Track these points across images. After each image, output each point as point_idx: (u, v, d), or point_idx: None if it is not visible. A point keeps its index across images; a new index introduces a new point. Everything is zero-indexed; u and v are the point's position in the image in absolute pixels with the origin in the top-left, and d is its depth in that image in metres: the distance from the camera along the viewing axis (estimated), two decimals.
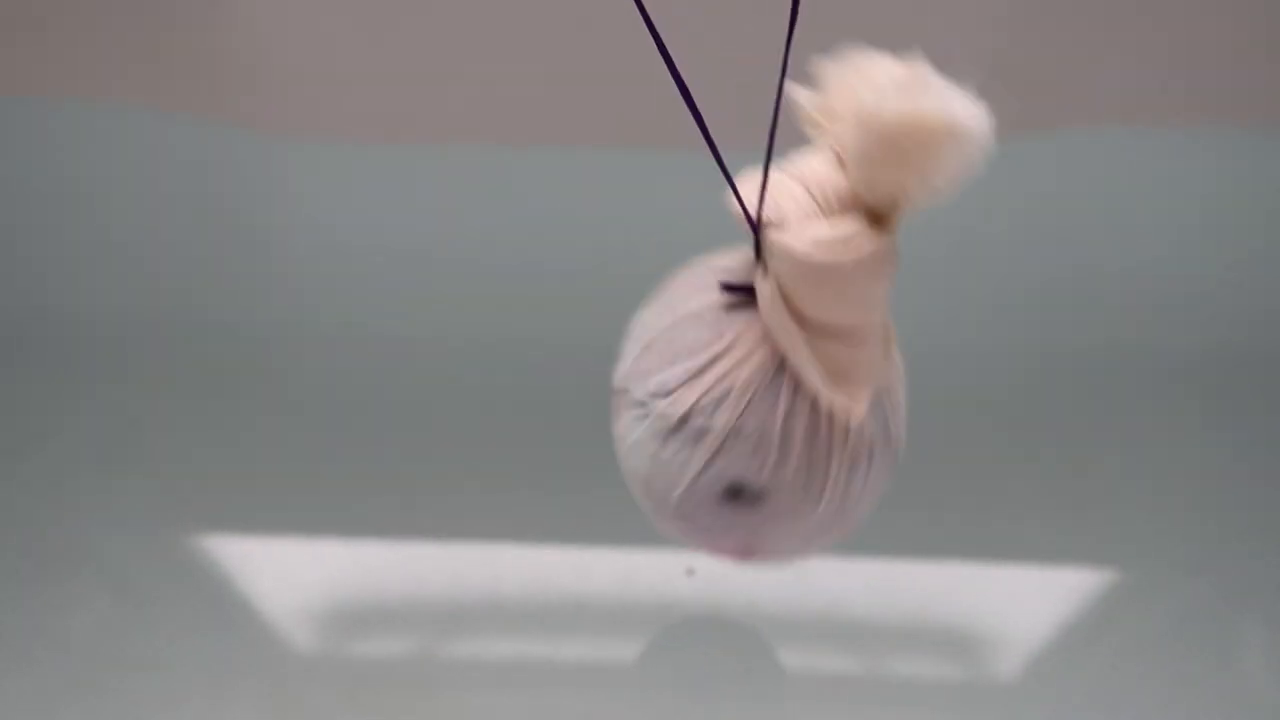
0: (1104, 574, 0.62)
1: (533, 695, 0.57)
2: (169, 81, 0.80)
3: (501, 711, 0.56)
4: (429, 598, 0.60)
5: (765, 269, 0.35)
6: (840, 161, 0.35)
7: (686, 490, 0.38)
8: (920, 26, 0.76)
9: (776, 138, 0.35)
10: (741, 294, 0.37)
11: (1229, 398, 0.73)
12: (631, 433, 0.39)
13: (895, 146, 0.31)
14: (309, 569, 0.62)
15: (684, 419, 0.37)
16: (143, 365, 0.74)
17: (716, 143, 0.35)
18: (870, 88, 0.32)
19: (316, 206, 0.83)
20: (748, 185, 0.36)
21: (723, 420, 0.37)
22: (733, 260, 0.40)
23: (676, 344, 0.38)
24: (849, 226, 0.33)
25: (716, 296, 0.38)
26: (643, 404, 0.38)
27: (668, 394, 0.37)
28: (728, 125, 0.38)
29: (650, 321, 0.40)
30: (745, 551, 0.41)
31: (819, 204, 0.35)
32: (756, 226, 0.35)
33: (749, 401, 0.36)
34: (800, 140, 0.37)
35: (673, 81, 0.37)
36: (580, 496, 0.64)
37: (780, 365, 0.36)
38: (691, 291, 0.39)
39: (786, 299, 0.35)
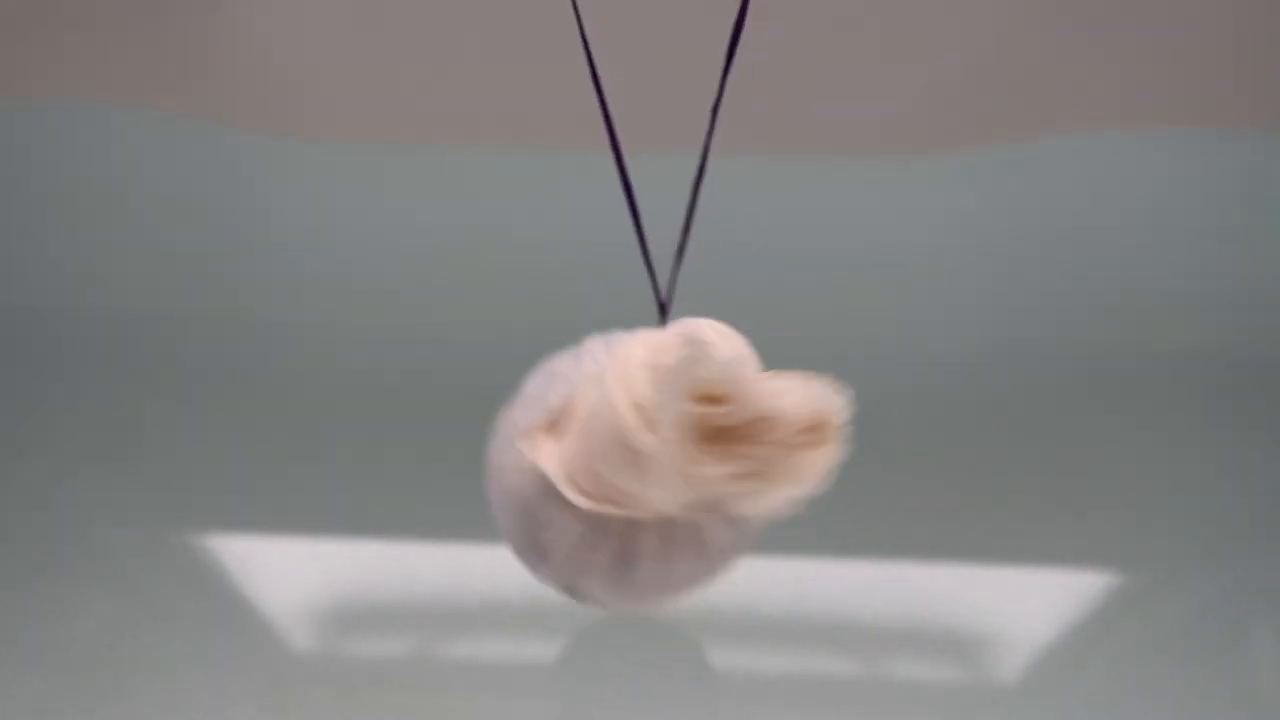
0: (1108, 576, 0.62)
1: (531, 695, 0.57)
2: (165, 82, 0.80)
3: (500, 711, 0.56)
4: (428, 598, 0.60)
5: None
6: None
7: None
8: (919, 32, 0.76)
9: None
10: None
11: (1234, 399, 0.73)
12: None
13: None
14: (309, 569, 0.62)
15: None
16: (143, 365, 0.75)
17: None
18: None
19: (320, 205, 0.83)
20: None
21: None
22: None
23: None
24: None
25: None
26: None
27: None
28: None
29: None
30: None
31: None
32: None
33: None
34: None
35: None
36: None
37: None
38: None
39: None
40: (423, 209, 0.82)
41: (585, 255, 0.72)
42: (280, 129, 0.82)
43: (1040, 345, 0.77)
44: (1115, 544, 0.64)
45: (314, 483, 0.67)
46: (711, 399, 0.35)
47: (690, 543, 0.42)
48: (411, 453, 0.68)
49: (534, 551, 0.43)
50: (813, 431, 0.36)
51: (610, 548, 0.42)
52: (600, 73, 0.35)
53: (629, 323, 0.45)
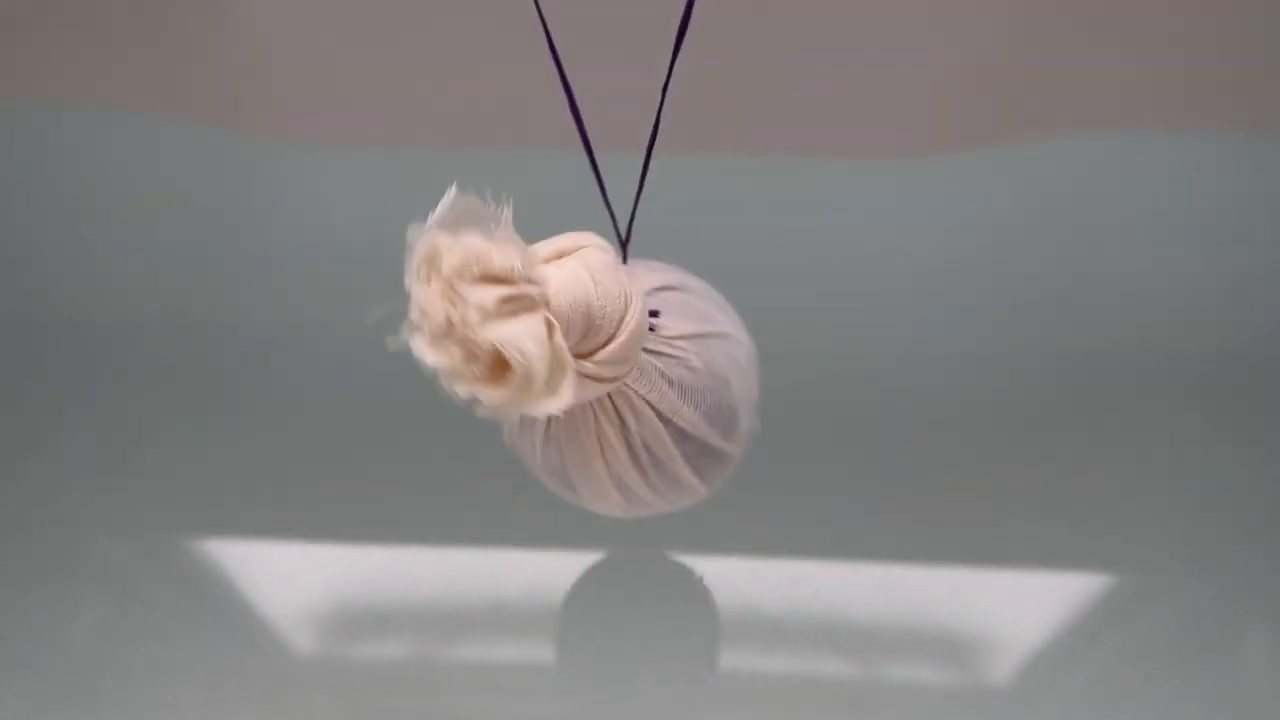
0: (1105, 578, 0.62)
1: (532, 700, 0.57)
2: (164, 85, 0.80)
3: (502, 715, 0.56)
4: (428, 602, 0.60)
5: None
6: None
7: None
8: (922, 33, 0.75)
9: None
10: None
11: (1232, 402, 0.73)
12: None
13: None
14: (308, 573, 0.62)
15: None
16: (140, 369, 0.74)
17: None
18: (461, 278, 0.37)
19: (318, 210, 0.83)
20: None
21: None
22: None
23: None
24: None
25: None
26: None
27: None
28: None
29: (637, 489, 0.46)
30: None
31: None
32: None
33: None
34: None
35: (668, 88, 0.37)
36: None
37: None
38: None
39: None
40: (424, 213, 0.82)
41: None
42: (278, 133, 0.81)
43: (1037, 348, 0.76)
44: (1110, 547, 0.64)
45: (314, 486, 0.67)
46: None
47: (571, 428, 0.45)
48: (412, 456, 0.68)
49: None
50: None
51: (533, 433, 0.46)
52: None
53: None
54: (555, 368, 0.36)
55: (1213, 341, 0.77)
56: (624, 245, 0.43)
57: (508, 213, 0.36)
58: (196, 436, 0.70)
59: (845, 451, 0.70)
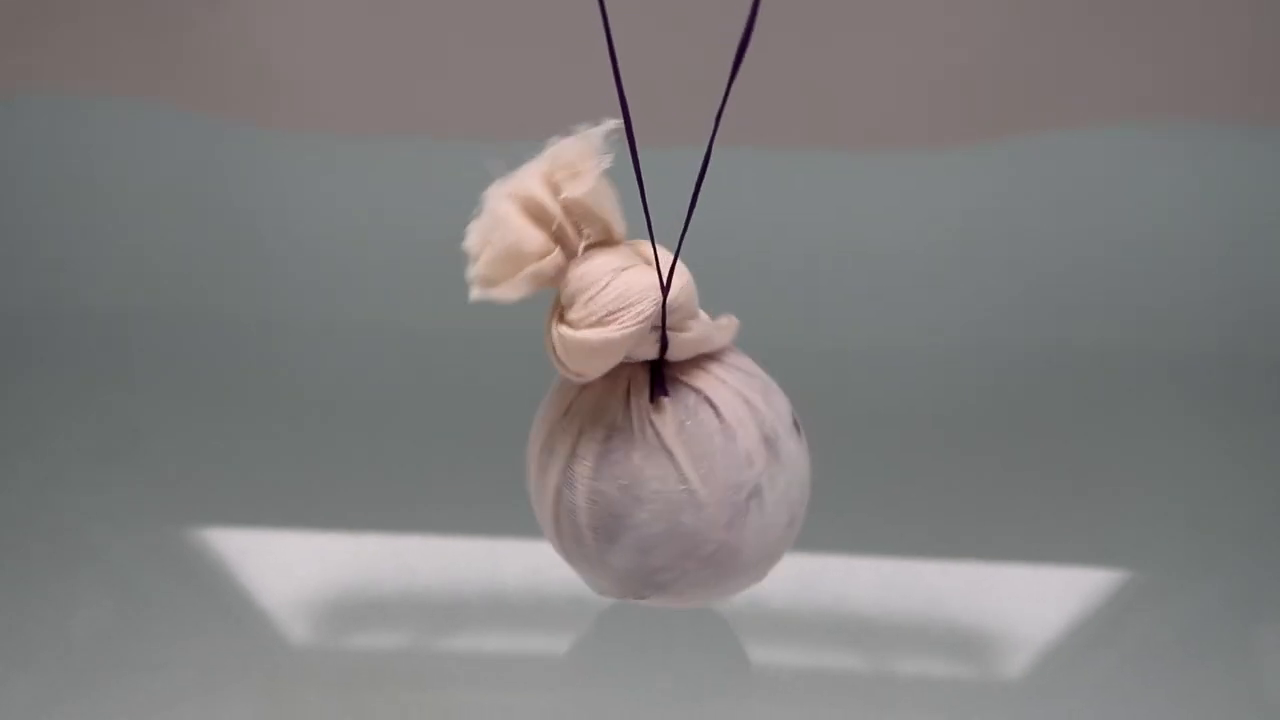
0: (1114, 575, 0.62)
1: (532, 690, 0.56)
2: (165, 75, 0.80)
3: (500, 707, 0.55)
4: (427, 592, 0.60)
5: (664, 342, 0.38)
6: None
7: (805, 478, 0.43)
8: (918, 26, 0.75)
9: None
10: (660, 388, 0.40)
11: (1243, 398, 0.72)
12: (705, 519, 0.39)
13: (597, 206, 0.36)
14: (307, 563, 0.61)
15: (768, 440, 0.40)
16: (139, 360, 0.74)
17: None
18: (547, 183, 0.36)
19: (317, 200, 0.83)
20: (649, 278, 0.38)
21: (789, 450, 0.41)
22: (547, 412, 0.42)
23: (715, 465, 0.38)
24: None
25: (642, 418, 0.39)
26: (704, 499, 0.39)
27: (747, 487, 0.39)
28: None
29: (617, 504, 0.39)
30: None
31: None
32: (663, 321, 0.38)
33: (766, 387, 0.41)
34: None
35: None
36: None
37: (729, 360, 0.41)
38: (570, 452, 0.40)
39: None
40: (421, 203, 0.82)
41: None
42: (280, 123, 0.81)
43: (1050, 342, 0.76)
44: (1123, 542, 0.63)
45: (313, 477, 0.66)
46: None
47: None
48: (410, 446, 0.68)
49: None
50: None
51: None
52: (609, 68, 0.35)
53: None
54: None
55: (1230, 337, 0.76)
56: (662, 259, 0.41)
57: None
58: (195, 427, 0.70)
59: (853, 444, 0.69)
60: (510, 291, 0.37)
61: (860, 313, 0.79)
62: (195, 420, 0.70)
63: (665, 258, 0.39)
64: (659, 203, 0.38)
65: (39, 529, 0.63)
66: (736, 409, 0.40)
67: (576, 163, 0.36)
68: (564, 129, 0.40)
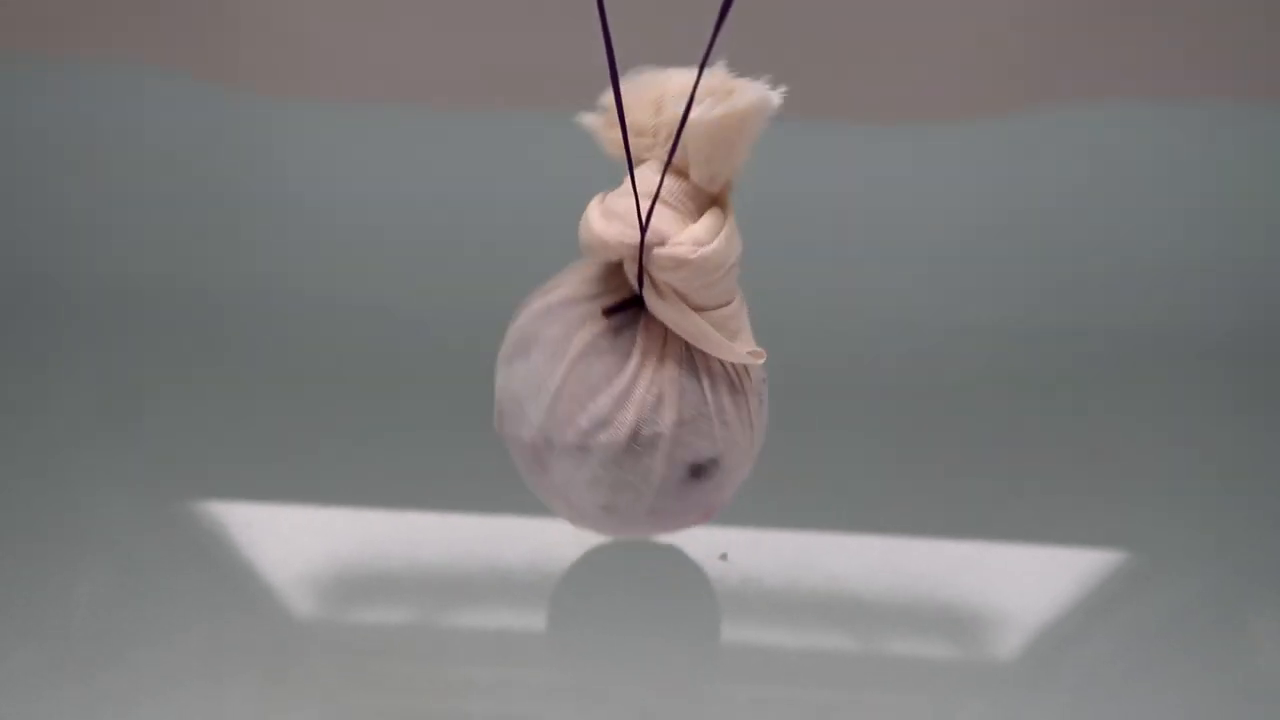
0: (1111, 558, 0.62)
1: (533, 667, 0.56)
2: (161, 38, 0.79)
3: (503, 683, 0.56)
4: (432, 567, 0.60)
5: (651, 281, 0.40)
6: (673, 168, 0.39)
7: (656, 493, 0.43)
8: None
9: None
10: (624, 311, 0.42)
11: (1254, 380, 0.72)
12: (577, 476, 0.43)
13: (726, 141, 0.37)
14: (310, 537, 0.61)
15: (633, 435, 0.41)
16: (142, 330, 0.74)
17: None
18: (680, 99, 0.37)
19: (325, 170, 0.82)
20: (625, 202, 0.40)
21: (668, 418, 0.42)
22: (567, 288, 0.44)
23: (588, 379, 0.42)
24: (713, 220, 0.39)
25: (598, 325, 0.42)
26: (581, 446, 0.42)
27: (606, 424, 0.42)
28: None
29: (542, 373, 0.43)
30: (707, 514, 0.47)
31: (679, 209, 0.40)
32: (641, 249, 0.39)
33: (682, 392, 0.42)
34: None
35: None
36: None
37: (687, 351, 0.41)
38: (567, 333, 0.43)
39: (681, 296, 0.39)
40: (431, 175, 0.81)
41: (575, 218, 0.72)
42: (279, 89, 0.80)
43: (1052, 322, 0.76)
44: (1121, 525, 0.63)
45: (317, 450, 0.66)
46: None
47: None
48: (416, 421, 0.68)
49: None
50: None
51: (752, 397, 0.45)
52: (610, 34, 0.35)
53: None
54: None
55: (1235, 319, 0.76)
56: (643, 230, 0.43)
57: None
58: (199, 400, 0.69)
59: (851, 422, 0.69)
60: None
61: (860, 288, 0.78)
62: (199, 393, 0.69)
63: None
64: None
65: (40, 500, 0.63)
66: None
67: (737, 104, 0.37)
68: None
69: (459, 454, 0.66)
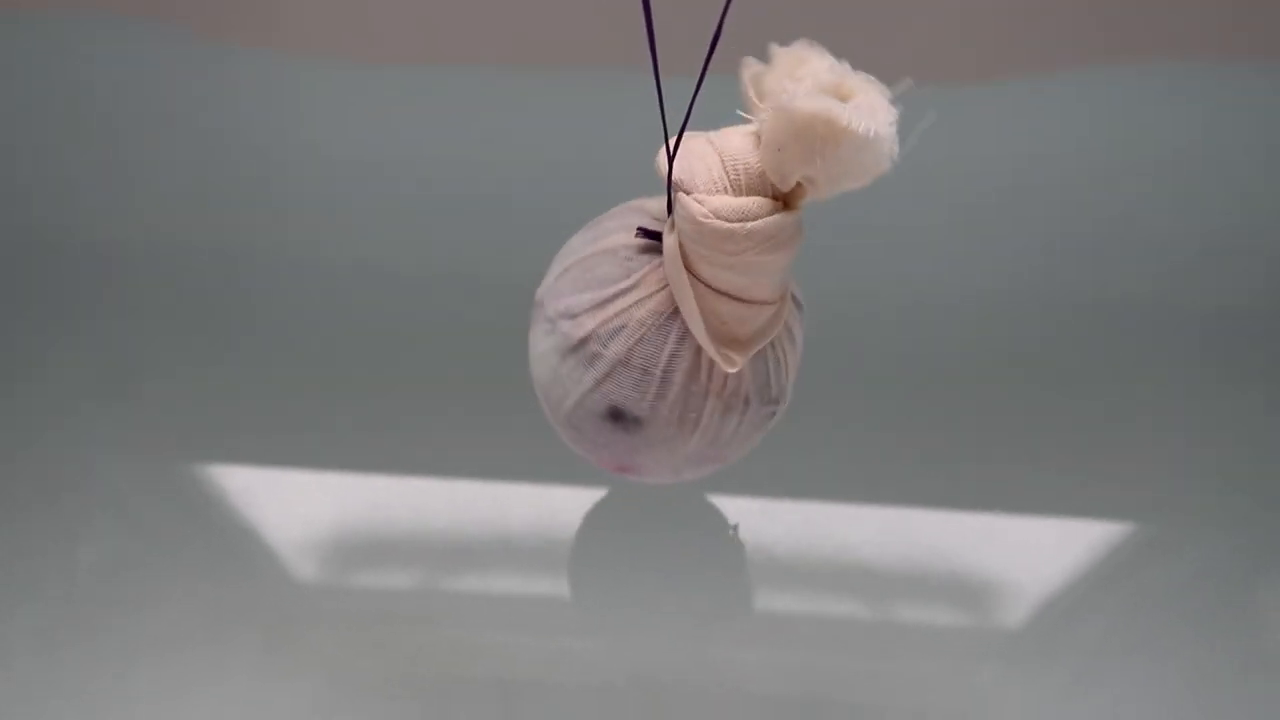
0: (1121, 528, 0.62)
1: (538, 634, 0.56)
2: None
3: (507, 647, 0.55)
4: (435, 533, 0.60)
5: (673, 224, 0.39)
6: (758, 143, 0.38)
7: (575, 404, 0.44)
8: None
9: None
10: (654, 240, 0.42)
11: (1263, 352, 0.71)
12: (539, 344, 0.45)
13: (803, 140, 0.34)
14: (313, 502, 0.61)
15: (582, 342, 0.42)
16: (146, 292, 0.73)
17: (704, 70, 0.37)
18: (796, 80, 0.35)
19: (329, 130, 0.81)
20: (674, 143, 0.38)
21: (614, 350, 0.41)
22: (661, 206, 0.43)
23: (590, 273, 0.43)
24: (750, 203, 0.37)
25: (630, 236, 0.42)
26: (551, 320, 0.43)
27: (573, 317, 0.42)
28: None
29: (575, 247, 0.45)
30: (621, 468, 0.46)
31: (729, 177, 0.38)
32: (669, 184, 0.38)
33: (640, 337, 0.41)
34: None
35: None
36: None
37: (674, 310, 0.41)
38: (616, 227, 0.43)
39: (685, 256, 0.39)
40: (433, 135, 0.80)
41: (599, 183, 0.71)
42: (286, 46, 0.79)
43: (1062, 292, 0.75)
44: (1127, 496, 0.63)
45: (321, 414, 0.66)
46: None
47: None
48: (420, 386, 0.67)
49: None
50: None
51: (715, 402, 0.43)
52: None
53: None
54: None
55: (1244, 290, 0.75)
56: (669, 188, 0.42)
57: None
58: (202, 362, 0.69)
59: (862, 393, 0.69)
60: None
61: (872, 258, 0.78)
62: (202, 355, 0.69)
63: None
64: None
65: (42, 463, 0.62)
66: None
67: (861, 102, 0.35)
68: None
69: (464, 419, 0.65)
